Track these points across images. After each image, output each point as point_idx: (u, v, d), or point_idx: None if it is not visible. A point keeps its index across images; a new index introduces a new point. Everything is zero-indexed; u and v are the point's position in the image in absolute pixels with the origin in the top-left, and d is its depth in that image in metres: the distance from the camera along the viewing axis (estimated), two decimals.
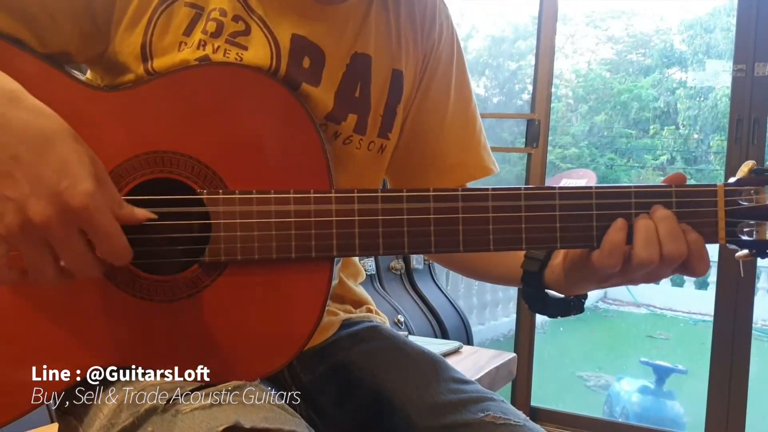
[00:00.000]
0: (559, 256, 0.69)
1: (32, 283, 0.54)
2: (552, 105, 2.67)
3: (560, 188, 0.61)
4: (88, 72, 0.74)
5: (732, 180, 0.62)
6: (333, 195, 0.61)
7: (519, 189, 0.62)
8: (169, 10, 0.67)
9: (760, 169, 0.61)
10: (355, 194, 0.61)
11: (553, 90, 2.66)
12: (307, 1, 0.71)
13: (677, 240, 0.59)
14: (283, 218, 0.61)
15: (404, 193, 0.61)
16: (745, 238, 0.61)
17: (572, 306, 0.70)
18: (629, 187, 0.61)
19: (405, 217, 0.61)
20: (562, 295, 0.70)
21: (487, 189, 0.62)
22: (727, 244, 0.62)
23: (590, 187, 0.61)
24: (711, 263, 0.63)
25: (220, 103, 0.62)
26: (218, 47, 0.67)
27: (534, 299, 0.71)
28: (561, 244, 0.62)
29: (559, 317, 0.70)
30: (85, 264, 0.54)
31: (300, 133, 0.63)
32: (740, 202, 0.61)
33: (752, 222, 0.61)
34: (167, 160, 0.61)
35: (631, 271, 0.61)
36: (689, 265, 0.60)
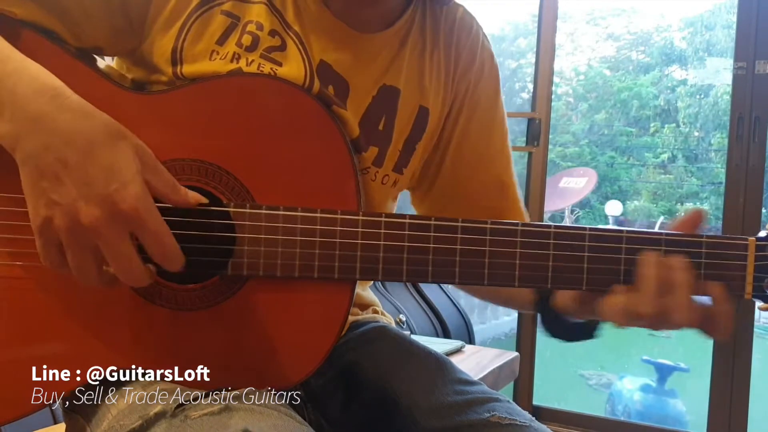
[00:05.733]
0: None
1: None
2: (552, 103, 2.67)
3: (591, 229, 0.60)
4: (115, 60, 0.73)
5: (762, 234, 0.61)
6: (360, 218, 0.60)
7: (549, 227, 0.61)
8: (204, 16, 0.66)
9: None
10: (383, 219, 0.60)
11: (553, 88, 2.66)
12: (342, 26, 0.70)
13: (692, 311, 0.57)
14: (309, 237, 0.60)
15: (432, 222, 0.60)
16: None
17: (588, 330, 0.67)
18: (660, 233, 0.60)
19: (431, 245, 0.60)
20: (581, 320, 0.68)
21: (516, 224, 0.61)
22: (753, 298, 0.61)
23: (621, 230, 0.60)
24: None
25: (254, 115, 0.62)
26: (252, 61, 0.66)
27: (548, 325, 0.68)
28: (587, 286, 0.61)
29: (575, 341, 0.68)
30: (133, 269, 0.53)
31: (332, 152, 0.62)
32: None
33: None
34: (196, 169, 0.61)
35: (631, 321, 0.59)
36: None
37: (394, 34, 0.74)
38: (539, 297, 0.68)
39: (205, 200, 0.58)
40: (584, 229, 0.61)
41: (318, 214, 0.60)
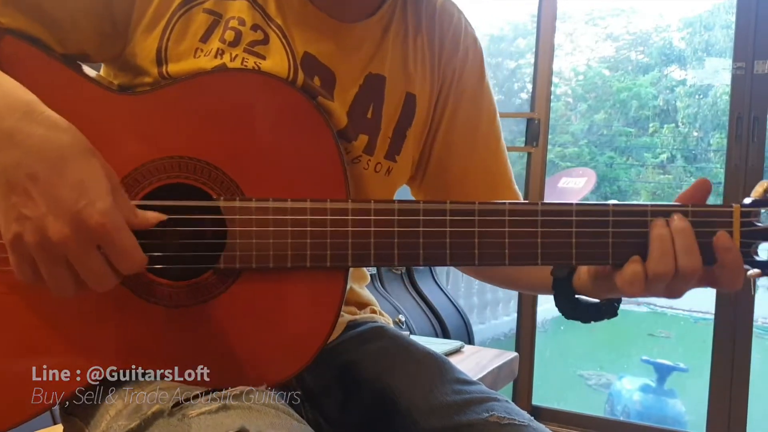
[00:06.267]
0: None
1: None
2: (551, 104, 2.67)
3: (577, 205, 0.61)
4: (102, 68, 0.73)
5: (747, 200, 0.61)
6: (349, 206, 0.61)
7: (536, 205, 0.62)
8: (187, 15, 0.67)
9: None
10: (372, 206, 0.61)
11: (552, 89, 2.66)
12: (324, 17, 0.71)
13: (692, 254, 0.59)
14: (299, 227, 0.60)
15: (421, 206, 0.61)
16: (758, 258, 0.61)
17: (604, 311, 0.68)
18: (645, 205, 0.61)
19: (421, 229, 0.61)
20: (596, 300, 0.68)
21: (504, 203, 0.62)
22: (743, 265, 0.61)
23: (607, 205, 0.61)
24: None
25: (239, 109, 0.62)
26: (236, 56, 0.67)
27: (565, 305, 0.69)
28: (577, 260, 0.62)
29: (592, 322, 0.69)
30: (103, 282, 0.55)
31: (318, 142, 0.63)
32: (755, 223, 0.60)
33: (767, 243, 0.60)
34: (184, 166, 0.61)
35: (649, 285, 0.60)
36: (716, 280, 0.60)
37: (377, 22, 0.74)
38: (555, 277, 0.68)
39: (164, 217, 0.58)
40: (570, 204, 0.61)
41: (308, 205, 0.61)
